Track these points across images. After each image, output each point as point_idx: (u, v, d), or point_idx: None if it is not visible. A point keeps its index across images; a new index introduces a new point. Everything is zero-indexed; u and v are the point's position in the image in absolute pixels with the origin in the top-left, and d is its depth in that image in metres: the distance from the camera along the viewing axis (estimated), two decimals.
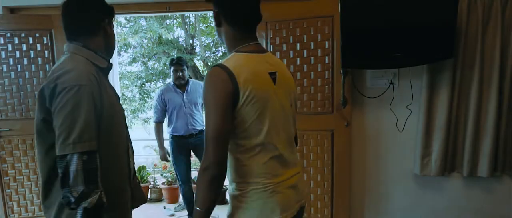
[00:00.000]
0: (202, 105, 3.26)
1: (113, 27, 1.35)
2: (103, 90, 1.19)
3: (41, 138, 1.19)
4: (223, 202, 3.93)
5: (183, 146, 3.29)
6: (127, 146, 1.35)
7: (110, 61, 1.34)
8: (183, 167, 3.33)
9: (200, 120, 3.35)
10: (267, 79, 1.17)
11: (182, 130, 3.26)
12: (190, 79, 3.36)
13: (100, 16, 1.26)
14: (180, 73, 3.25)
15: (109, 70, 1.33)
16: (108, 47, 1.31)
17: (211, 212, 1.12)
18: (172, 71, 3.27)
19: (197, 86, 3.36)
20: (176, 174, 3.38)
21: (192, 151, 3.38)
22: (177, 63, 3.27)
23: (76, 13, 1.23)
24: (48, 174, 1.19)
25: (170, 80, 3.37)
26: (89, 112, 1.10)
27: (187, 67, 3.33)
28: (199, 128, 3.32)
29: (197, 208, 1.09)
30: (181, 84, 3.28)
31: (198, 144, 3.31)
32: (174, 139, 3.30)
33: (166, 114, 3.33)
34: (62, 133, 1.07)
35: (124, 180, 1.33)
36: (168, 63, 3.54)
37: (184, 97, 3.28)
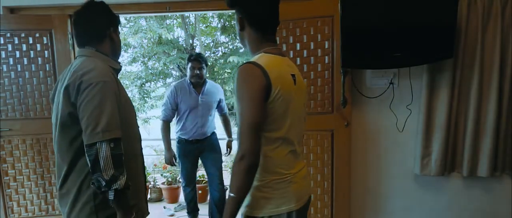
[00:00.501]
0: (218, 108, 3.17)
1: (119, 33, 1.49)
2: (120, 88, 1.34)
3: (65, 131, 1.29)
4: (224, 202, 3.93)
5: (190, 150, 3.08)
6: (139, 139, 1.50)
7: (120, 64, 1.49)
8: (188, 169, 3.15)
9: (213, 124, 3.14)
10: (290, 80, 1.27)
11: (191, 132, 3.02)
12: (207, 79, 3.10)
13: (106, 24, 1.40)
14: (198, 72, 2.97)
15: (119, 72, 1.48)
16: (114, 51, 1.46)
17: (243, 200, 1.20)
18: (189, 69, 3.00)
19: (214, 89, 3.12)
20: (181, 175, 3.23)
21: (199, 156, 3.16)
22: (196, 60, 2.99)
23: (85, 22, 1.38)
24: (70, 163, 1.31)
25: (186, 78, 3.10)
26: (113, 104, 1.24)
27: (206, 66, 3.07)
28: (210, 133, 3.10)
29: (232, 195, 1.16)
30: (197, 84, 3.01)
31: (205, 148, 3.10)
32: (181, 142, 3.08)
33: (176, 113, 3.10)
34: (91, 124, 1.19)
35: (139, 170, 1.48)
36: (186, 60, 3.40)
37: (200, 99, 3.01)
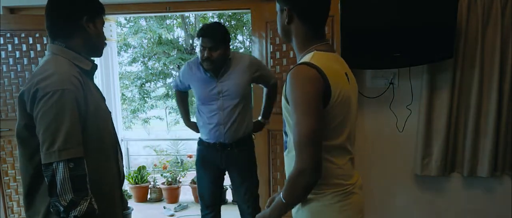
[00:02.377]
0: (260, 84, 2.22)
1: (99, 24, 1.24)
2: (88, 93, 1.14)
3: (24, 144, 1.13)
4: (224, 202, 3.94)
5: (211, 159, 2.16)
6: (115, 149, 1.31)
7: (95, 62, 1.27)
8: (206, 187, 2.22)
9: (247, 122, 2.14)
10: (346, 80, 1.13)
11: (210, 134, 2.11)
12: (230, 57, 2.08)
13: (77, 13, 1.17)
14: (206, 54, 1.98)
15: (94, 71, 1.27)
16: (89, 47, 1.22)
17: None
18: (199, 50, 2.06)
19: (244, 66, 2.07)
20: (198, 196, 2.29)
21: (227, 171, 2.22)
22: (204, 36, 1.99)
23: (51, 12, 1.17)
24: (30, 181, 1.14)
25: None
26: (73, 117, 1.05)
27: (225, 43, 2.02)
28: (242, 134, 2.11)
29: (284, 200, 1.08)
30: (212, 69, 2.06)
31: (235, 159, 2.12)
32: (200, 145, 2.21)
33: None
34: (46, 140, 1.02)
35: (114, 183, 1.29)
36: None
37: (218, 84, 2.06)
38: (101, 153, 1.21)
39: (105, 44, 1.30)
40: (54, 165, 1.01)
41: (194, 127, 2.28)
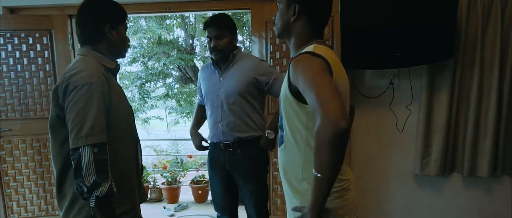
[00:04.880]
0: (259, 98, 2.05)
1: (122, 30, 1.39)
2: (112, 88, 1.28)
3: (55, 133, 1.27)
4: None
5: (216, 159, 2.12)
6: (135, 142, 1.43)
7: (118, 63, 1.42)
8: (216, 188, 2.19)
9: (252, 124, 2.02)
10: (344, 71, 1.15)
11: (211, 133, 2.11)
12: (236, 53, 2.03)
13: (100, 22, 1.33)
14: (213, 43, 1.97)
15: (117, 71, 1.42)
16: (113, 50, 1.38)
17: (335, 179, 0.98)
18: (207, 43, 2.06)
19: (248, 63, 2.01)
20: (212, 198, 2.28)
21: (233, 173, 2.09)
22: (211, 25, 1.98)
23: (79, 20, 1.34)
24: (61, 167, 1.28)
25: None
26: (99, 107, 1.19)
27: (231, 30, 2.01)
28: (245, 135, 2.01)
29: (318, 174, 0.94)
30: (222, 59, 2.02)
31: (239, 161, 2.03)
32: (210, 146, 2.17)
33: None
34: (75, 127, 1.15)
35: (132, 173, 1.40)
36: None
37: (221, 80, 2.03)
38: (122, 142, 1.32)
39: (129, 46, 1.48)
40: (80, 149, 1.14)
41: (196, 136, 2.20)
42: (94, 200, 1.15)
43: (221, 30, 1.96)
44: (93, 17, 1.32)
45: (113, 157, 1.22)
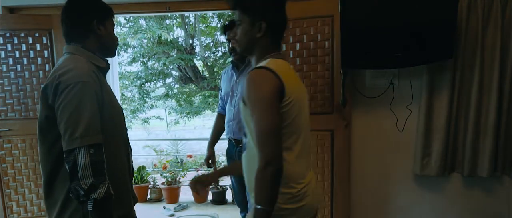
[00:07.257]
0: None
1: (109, 25, 1.35)
2: (103, 88, 1.24)
3: (44, 135, 1.22)
4: (223, 202, 3.94)
5: (231, 155, 2.34)
6: (126, 143, 1.39)
7: (108, 62, 1.37)
8: (235, 184, 2.41)
9: None
10: (300, 84, 1.23)
11: (227, 129, 2.34)
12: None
13: (88, 18, 1.28)
14: (232, 44, 2.18)
15: (107, 70, 1.37)
16: (102, 47, 1.33)
17: (272, 211, 1.10)
18: (227, 46, 2.27)
19: None
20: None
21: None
22: (226, 29, 2.22)
23: (66, 17, 1.28)
24: (51, 171, 1.22)
25: None
26: (93, 106, 1.14)
27: None
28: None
29: (259, 207, 1.08)
30: (241, 60, 2.21)
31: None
32: (229, 142, 2.38)
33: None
34: (69, 128, 1.11)
35: (126, 175, 1.37)
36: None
37: (237, 82, 2.25)
38: (114, 144, 1.28)
39: (117, 44, 1.42)
40: (76, 150, 1.09)
41: (208, 152, 2.37)
42: (91, 203, 1.10)
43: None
44: (80, 13, 1.28)
45: (107, 158, 1.18)
